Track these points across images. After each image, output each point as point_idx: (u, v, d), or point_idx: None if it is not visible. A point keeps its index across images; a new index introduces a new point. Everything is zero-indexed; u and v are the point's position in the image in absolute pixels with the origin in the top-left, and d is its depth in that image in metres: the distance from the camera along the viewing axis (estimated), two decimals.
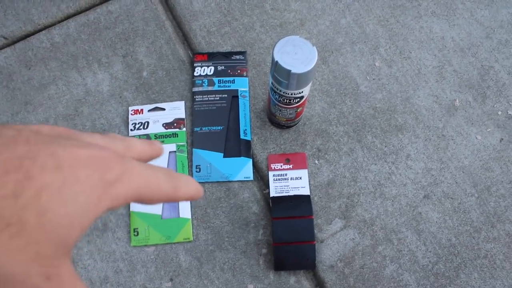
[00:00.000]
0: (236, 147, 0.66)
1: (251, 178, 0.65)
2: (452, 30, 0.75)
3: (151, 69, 0.71)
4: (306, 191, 0.64)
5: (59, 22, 0.75)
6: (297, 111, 0.62)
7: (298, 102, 0.59)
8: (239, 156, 0.66)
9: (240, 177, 0.65)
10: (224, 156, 0.66)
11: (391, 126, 0.69)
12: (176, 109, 0.68)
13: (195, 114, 0.68)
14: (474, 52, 0.73)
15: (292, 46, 0.52)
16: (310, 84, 0.56)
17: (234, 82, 0.70)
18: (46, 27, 0.75)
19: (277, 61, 0.51)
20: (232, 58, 0.72)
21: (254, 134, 0.68)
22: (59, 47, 0.73)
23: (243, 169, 0.65)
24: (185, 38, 0.74)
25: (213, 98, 0.69)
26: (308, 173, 0.66)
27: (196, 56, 0.72)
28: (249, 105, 0.69)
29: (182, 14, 0.75)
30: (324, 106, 0.70)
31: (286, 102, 0.58)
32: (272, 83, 0.57)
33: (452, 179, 0.66)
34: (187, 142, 0.67)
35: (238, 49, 0.72)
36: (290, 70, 0.51)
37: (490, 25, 0.75)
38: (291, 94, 0.56)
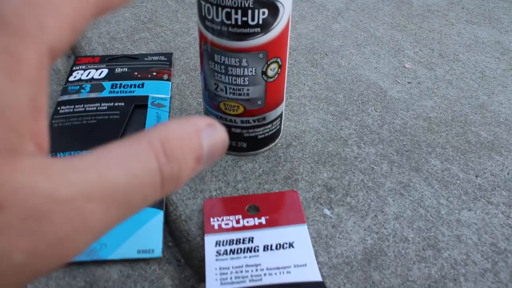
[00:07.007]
0: None
1: (159, 255, 0.24)
2: (508, 35, 0.48)
3: None
4: (310, 276, 0.23)
5: None
6: (267, 67, 0.26)
7: (266, 20, 0.24)
8: None
9: (129, 252, 0.24)
10: None
11: (471, 143, 0.33)
12: None
13: (51, 134, 0.31)
14: None
15: None
16: None
17: (142, 87, 0.36)
18: None
19: None
20: (146, 59, 0.39)
21: None
22: None
23: (142, 232, 0.25)
24: (71, 48, 0.43)
25: (94, 108, 0.33)
26: (311, 235, 0.26)
27: (79, 59, 0.39)
28: (169, 119, 0.33)
29: None
30: (326, 117, 0.35)
31: (233, 22, 0.24)
32: None
33: None
34: None
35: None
36: None
37: None
38: None
